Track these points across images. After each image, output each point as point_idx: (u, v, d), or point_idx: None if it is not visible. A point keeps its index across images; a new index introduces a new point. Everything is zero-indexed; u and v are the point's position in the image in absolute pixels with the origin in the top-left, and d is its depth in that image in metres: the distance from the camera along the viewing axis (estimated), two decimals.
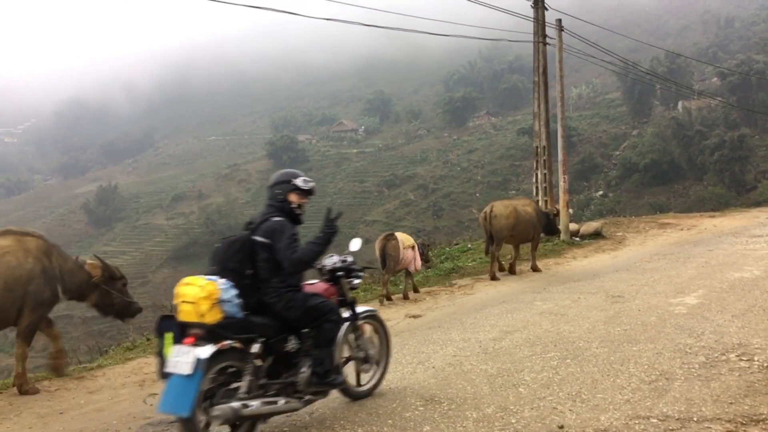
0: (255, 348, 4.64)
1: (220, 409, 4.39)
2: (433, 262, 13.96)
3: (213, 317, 4.40)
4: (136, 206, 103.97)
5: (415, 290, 11.34)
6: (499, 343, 7.32)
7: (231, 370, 4.56)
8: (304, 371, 4.96)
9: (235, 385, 4.53)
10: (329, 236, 5.05)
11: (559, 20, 19.75)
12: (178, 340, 4.39)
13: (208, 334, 4.37)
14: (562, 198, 19.13)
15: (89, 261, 7.03)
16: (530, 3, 18.80)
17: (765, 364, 5.91)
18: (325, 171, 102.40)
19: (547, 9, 18.83)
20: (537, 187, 18.65)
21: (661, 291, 9.87)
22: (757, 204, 38.31)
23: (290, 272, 4.96)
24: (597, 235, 18.49)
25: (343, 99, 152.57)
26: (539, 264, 13.55)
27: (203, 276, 4.61)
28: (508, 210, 12.72)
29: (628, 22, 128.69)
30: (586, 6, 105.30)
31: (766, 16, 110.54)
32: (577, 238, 17.95)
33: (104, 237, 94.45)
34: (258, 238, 4.96)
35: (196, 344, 4.31)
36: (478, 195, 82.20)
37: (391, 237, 10.76)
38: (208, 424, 4.42)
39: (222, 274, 4.70)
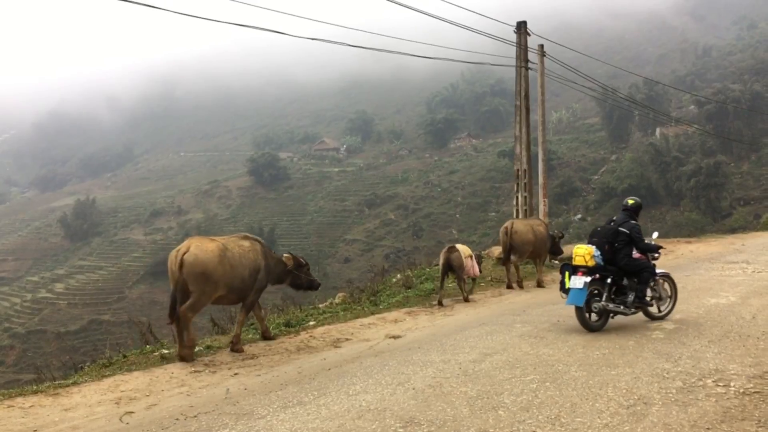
0: (608, 280, 9.05)
1: (597, 305, 8.95)
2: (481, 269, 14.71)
3: (591, 263, 8.93)
4: (114, 221, 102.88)
5: (466, 300, 12.59)
6: (479, 365, 7.32)
7: (596, 291, 9.02)
8: (629, 297, 9.15)
9: (597, 298, 9.04)
10: (655, 248, 9.58)
11: (542, 46, 20.03)
12: (571, 274, 9.00)
13: (588, 271, 8.93)
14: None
15: (285, 255, 9.66)
16: (513, 28, 19.06)
17: (741, 390, 5.98)
18: (306, 189, 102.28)
19: (529, 34, 19.09)
20: (518, 210, 18.78)
21: (639, 315, 9.93)
22: (733, 230, 38.81)
23: (639, 249, 9.31)
24: None
25: (325, 117, 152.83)
26: (524, 282, 14.63)
27: (586, 244, 9.17)
28: (527, 227, 14.09)
29: (608, 49, 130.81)
30: (567, 32, 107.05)
31: (743, 46, 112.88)
32: (557, 262, 18.05)
33: (81, 251, 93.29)
34: (621, 229, 9.23)
35: (583, 275, 8.88)
36: (458, 216, 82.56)
37: (453, 249, 12.36)
38: (589, 313, 8.96)
39: (597, 244, 9.12)
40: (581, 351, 7.77)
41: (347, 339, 9.33)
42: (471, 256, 12.61)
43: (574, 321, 9.74)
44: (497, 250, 17.51)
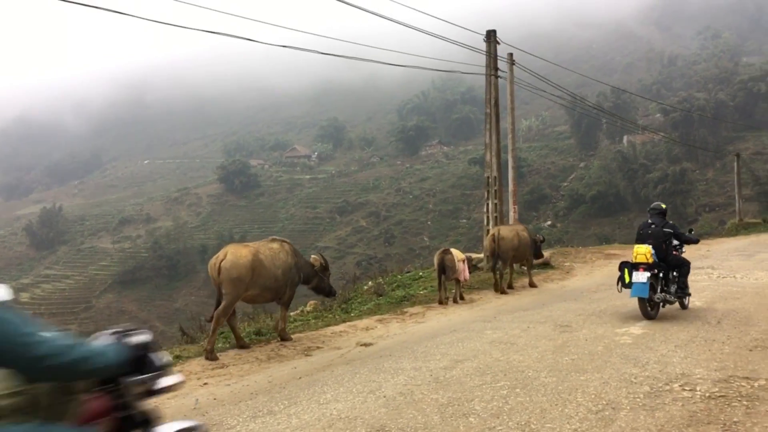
0: (661, 274, 10.28)
1: (659, 296, 10.18)
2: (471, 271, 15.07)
3: (650, 260, 10.12)
4: (81, 229, 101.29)
5: (462, 297, 13.28)
6: (450, 372, 7.33)
7: (651, 284, 10.03)
8: (673, 288, 10.56)
9: (652, 291, 10.11)
10: (696, 240, 11.69)
11: (511, 54, 20.22)
12: (631, 271, 10.11)
13: (648, 266, 10.07)
14: None
15: (313, 256, 10.18)
16: (483, 37, 19.21)
17: (707, 394, 6.07)
18: (277, 197, 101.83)
19: (499, 43, 19.25)
20: (488, 217, 18.87)
21: (607, 321, 10.07)
22: (698, 237, 39.48)
23: (682, 242, 11.07)
24: (545, 264, 18.78)
25: (297, 125, 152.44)
26: (511, 284, 15.13)
27: (644, 245, 10.34)
28: (512, 233, 14.58)
29: (576, 57, 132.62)
30: (536, 41, 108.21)
31: (707, 56, 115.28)
32: (525, 268, 18.16)
33: (47, 260, 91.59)
34: (666, 229, 10.61)
35: (644, 271, 10.01)
36: (429, 223, 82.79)
37: (447, 252, 12.92)
38: (650, 303, 10.07)
39: (655, 245, 10.36)
40: (551, 357, 7.82)
41: (318, 347, 9.28)
42: (463, 260, 13.10)
43: (543, 327, 9.85)
44: (473, 256, 17.74)
